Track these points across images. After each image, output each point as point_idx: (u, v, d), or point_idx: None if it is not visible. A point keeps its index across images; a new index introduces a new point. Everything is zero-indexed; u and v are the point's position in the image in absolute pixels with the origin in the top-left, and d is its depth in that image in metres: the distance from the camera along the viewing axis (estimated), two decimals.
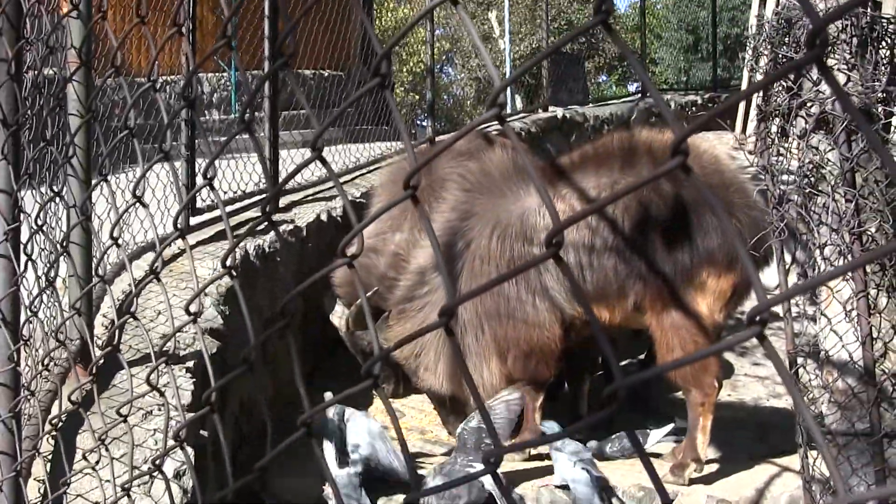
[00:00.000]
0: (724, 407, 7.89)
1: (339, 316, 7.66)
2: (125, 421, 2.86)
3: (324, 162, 1.81)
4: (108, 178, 2.88)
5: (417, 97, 24.70)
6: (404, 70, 25.16)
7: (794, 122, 5.82)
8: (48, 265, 3.70)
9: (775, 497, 6.63)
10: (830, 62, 5.61)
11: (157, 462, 4.25)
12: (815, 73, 5.65)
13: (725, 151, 8.23)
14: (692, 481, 6.64)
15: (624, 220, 6.51)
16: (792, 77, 5.78)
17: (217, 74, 15.12)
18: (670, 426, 7.07)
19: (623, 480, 6.68)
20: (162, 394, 2.79)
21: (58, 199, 4.16)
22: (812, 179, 5.71)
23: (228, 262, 2.07)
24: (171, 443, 4.54)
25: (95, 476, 4.12)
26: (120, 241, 2.82)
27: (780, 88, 5.83)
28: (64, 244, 3.21)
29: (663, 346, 6.66)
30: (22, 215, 3.14)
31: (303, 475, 6.28)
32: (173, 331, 2.23)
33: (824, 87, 5.57)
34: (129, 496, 3.00)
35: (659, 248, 6.56)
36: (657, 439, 7.04)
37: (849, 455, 5.58)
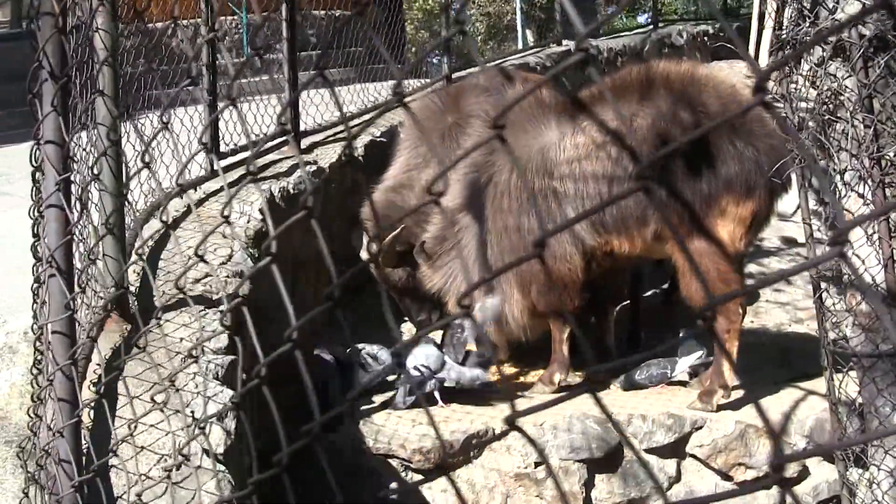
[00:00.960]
0: (747, 333, 7.97)
1: (367, 251, 7.77)
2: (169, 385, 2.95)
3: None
4: (133, 119, 2.98)
5: (429, 34, 24.66)
6: (415, 8, 25.11)
7: (811, 50, 5.87)
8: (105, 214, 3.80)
9: (801, 420, 6.75)
10: None
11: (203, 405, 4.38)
12: (830, 1, 5.70)
13: (741, 80, 8.25)
14: (720, 407, 6.74)
15: (643, 149, 6.55)
16: (808, 5, 5.82)
17: (227, 18, 15.03)
18: (698, 353, 7.15)
19: (651, 409, 6.80)
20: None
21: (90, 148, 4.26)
22: (830, 106, 5.77)
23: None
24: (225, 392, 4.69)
25: (142, 423, 4.25)
26: (148, 179, 2.91)
27: (797, 17, 5.87)
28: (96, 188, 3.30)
29: (686, 273, 6.73)
30: (74, 165, 3.22)
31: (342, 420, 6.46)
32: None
33: (840, 14, 5.62)
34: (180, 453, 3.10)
35: (679, 177, 6.62)
36: (685, 367, 7.13)
37: (874, 376, 5.68)
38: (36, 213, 4.50)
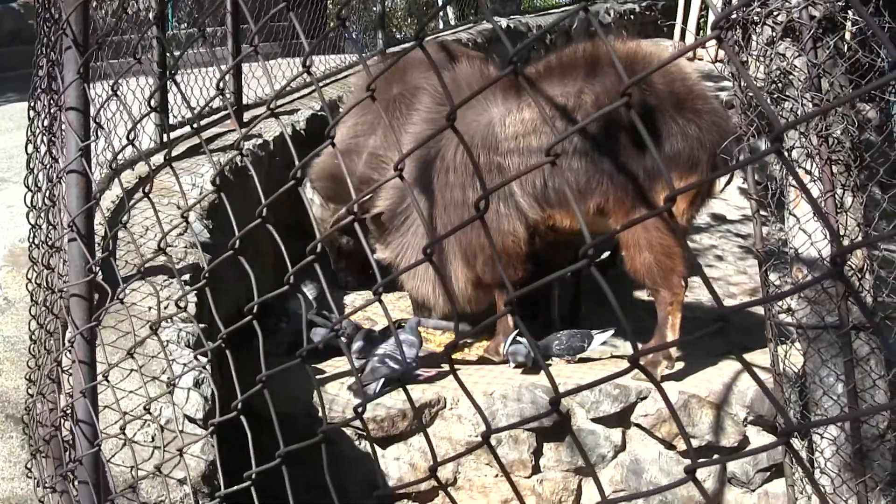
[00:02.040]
0: (682, 307, 8.16)
1: (317, 205, 7.86)
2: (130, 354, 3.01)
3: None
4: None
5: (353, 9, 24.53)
6: None
7: (760, 31, 6.02)
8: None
9: (742, 391, 6.91)
10: None
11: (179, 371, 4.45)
12: None
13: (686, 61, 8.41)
14: (663, 378, 6.88)
15: (588, 125, 6.64)
16: None
17: None
18: (612, 330, 7.30)
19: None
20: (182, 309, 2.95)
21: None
22: (780, 85, 5.94)
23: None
24: (189, 356, 4.76)
25: (119, 388, 4.31)
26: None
27: None
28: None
29: (631, 246, 6.85)
30: (100, 131, 3.28)
31: (292, 385, 6.51)
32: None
33: None
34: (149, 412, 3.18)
35: (622, 153, 6.71)
36: (599, 342, 7.24)
37: (819, 347, 5.87)
38: (31, 183, 4.54)
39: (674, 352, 6.98)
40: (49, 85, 4.25)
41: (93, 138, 3.25)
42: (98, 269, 3.15)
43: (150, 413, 3.32)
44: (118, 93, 3.02)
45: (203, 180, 6.86)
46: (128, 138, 2.82)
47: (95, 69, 6.96)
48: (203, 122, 8.30)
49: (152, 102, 6.60)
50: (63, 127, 3.34)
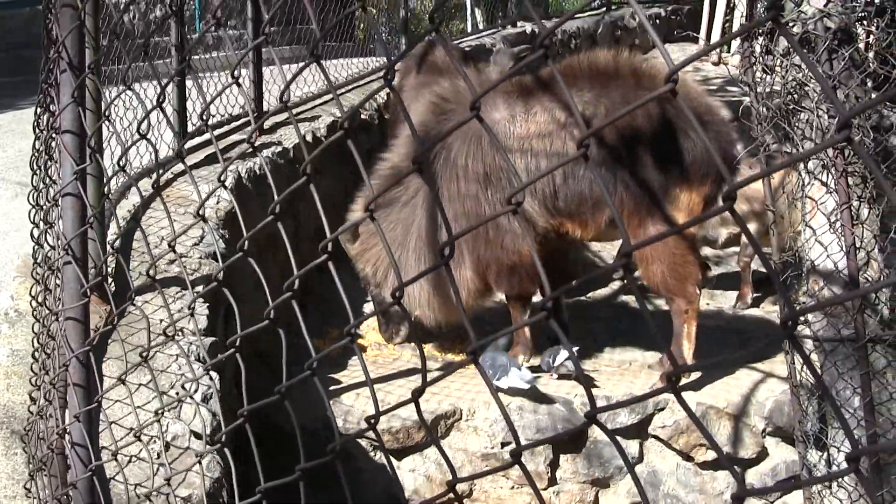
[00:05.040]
0: (703, 316, 8.12)
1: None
2: (145, 360, 3.01)
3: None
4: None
5: (376, 12, 24.54)
6: None
7: (777, 41, 5.99)
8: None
9: (761, 402, 6.89)
10: None
11: (188, 387, 4.45)
12: None
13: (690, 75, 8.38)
14: (680, 388, 6.84)
15: (601, 137, 6.63)
16: None
17: None
18: (576, 347, 7.31)
19: (615, 390, 6.91)
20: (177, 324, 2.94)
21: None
22: (795, 96, 5.90)
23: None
24: (199, 370, 4.75)
25: (125, 403, 4.32)
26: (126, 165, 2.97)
27: (766, 9, 5.98)
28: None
29: (645, 257, 6.83)
30: (95, 156, 3.28)
31: (308, 398, 6.50)
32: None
33: (806, 7, 5.75)
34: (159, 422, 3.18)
35: (639, 164, 6.70)
36: (563, 359, 7.09)
37: (835, 360, 5.82)
38: (34, 200, 4.55)
39: (689, 359, 6.94)
40: (48, 104, 4.26)
41: (88, 162, 3.25)
42: (111, 279, 3.14)
43: (158, 421, 3.33)
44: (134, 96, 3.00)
45: (220, 189, 6.87)
46: (139, 131, 2.81)
47: (112, 72, 7.00)
48: (223, 130, 8.30)
49: (169, 108, 6.62)
50: (59, 150, 3.35)
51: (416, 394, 1.86)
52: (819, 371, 6.08)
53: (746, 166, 7.05)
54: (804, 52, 5.76)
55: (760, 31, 6.02)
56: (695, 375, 7.05)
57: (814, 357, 6.01)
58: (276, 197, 2.33)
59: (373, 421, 2.01)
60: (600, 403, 6.52)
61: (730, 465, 1.55)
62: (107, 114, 3.23)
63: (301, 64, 2.19)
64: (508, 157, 6.68)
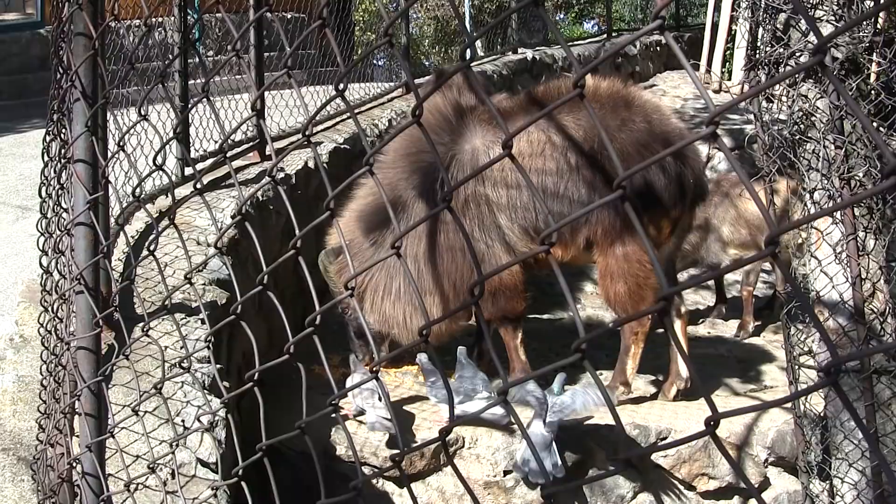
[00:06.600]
0: (704, 344, 8.13)
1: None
2: (159, 391, 3.00)
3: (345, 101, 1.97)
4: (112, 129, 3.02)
5: (374, 36, 24.54)
6: (360, 9, 25.00)
7: (783, 71, 6.00)
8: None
9: (763, 432, 6.87)
10: (818, 13, 5.80)
11: (199, 416, 4.43)
12: (803, 24, 5.83)
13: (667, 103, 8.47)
14: (681, 415, 6.86)
15: (579, 163, 6.75)
16: (781, 27, 5.96)
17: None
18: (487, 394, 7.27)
19: (623, 415, 6.90)
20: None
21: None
22: (801, 126, 5.91)
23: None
24: (216, 403, 4.74)
25: (133, 431, 4.30)
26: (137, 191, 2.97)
27: (770, 39, 6.01)
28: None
29: (608, 275, 6.97)
30: (109, 186, 3.27)
31: (308, 426, 6.45)
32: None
33: (813, 37, 5.76)
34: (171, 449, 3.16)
35: (611, 186, 6.72)
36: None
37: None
38: (43, 227, 4.53)
39: (632, 380, 7.16)
40: (58, 132, 4.25)
41: (101, 192, 3.25)
42: (115, 305, 3.13)
43: (173, 453, 3.31)
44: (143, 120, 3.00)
45: (223, 215, 6.85)
46: (155, 162, 2.80)
47: (119, 96, 6.99)
48: (231, 154, 8.29)
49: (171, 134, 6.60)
50: (71, 179, 3.34)
51: (444, 433, 1.84)
52: (824, 401, 6.09)
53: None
54: (854, 101, 5.78)
55: (767, 60, 6.03)
56: (697, 404, 7.05)
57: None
58: (294, 225, 2.33)
59: (397, 458, 2.00)
60: (604, 432, 6.55)
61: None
62: (121, 144, 3.22)
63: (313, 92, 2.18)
64: (490, 187, 6.81)
